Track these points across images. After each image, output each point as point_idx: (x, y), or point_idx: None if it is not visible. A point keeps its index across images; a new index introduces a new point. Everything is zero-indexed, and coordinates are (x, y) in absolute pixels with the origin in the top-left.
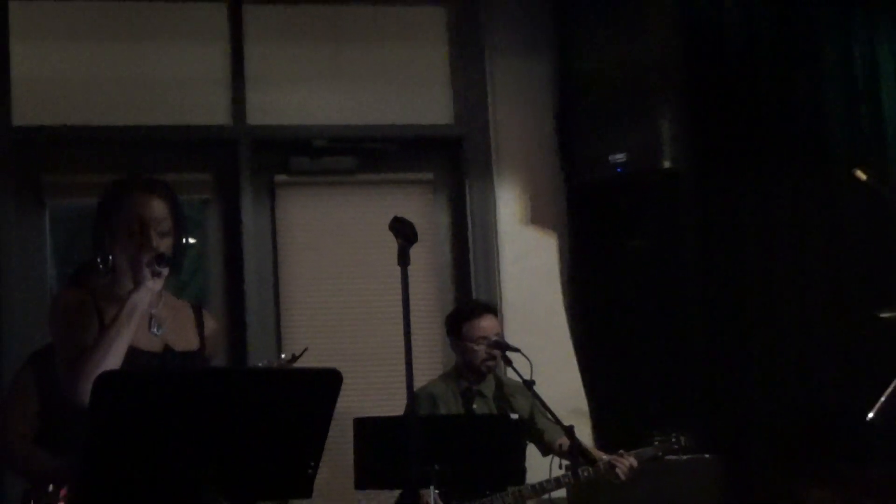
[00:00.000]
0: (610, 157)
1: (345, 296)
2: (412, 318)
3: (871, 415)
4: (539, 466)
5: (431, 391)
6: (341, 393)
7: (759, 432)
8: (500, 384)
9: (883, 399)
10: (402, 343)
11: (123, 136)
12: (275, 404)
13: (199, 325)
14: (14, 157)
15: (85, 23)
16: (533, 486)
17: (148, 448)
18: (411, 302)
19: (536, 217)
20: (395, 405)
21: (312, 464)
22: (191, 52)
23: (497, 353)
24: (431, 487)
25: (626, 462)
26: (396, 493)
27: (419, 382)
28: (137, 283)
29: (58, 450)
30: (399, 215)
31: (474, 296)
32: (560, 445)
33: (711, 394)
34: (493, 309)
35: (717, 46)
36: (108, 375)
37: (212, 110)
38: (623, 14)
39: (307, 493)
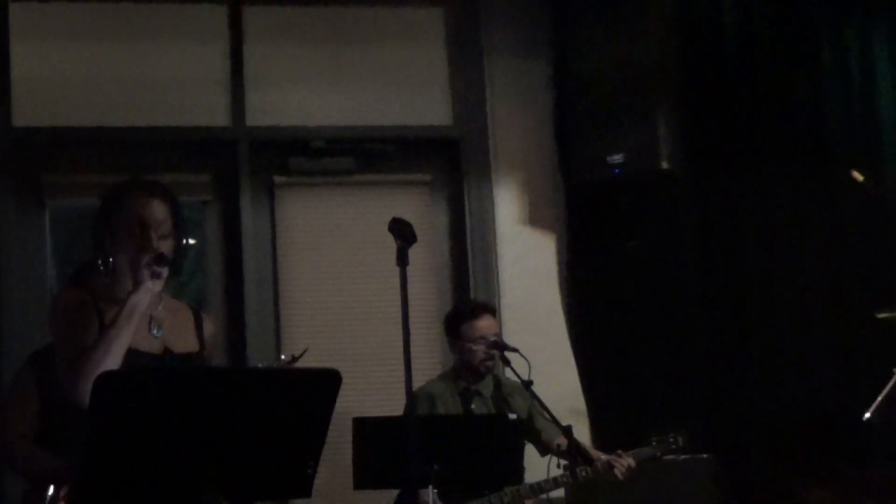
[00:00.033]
0: (608, 158)
1: (344, 296)
2: (411, 319)
3: (867, 414)
4: (537, 466)
5: (430, 391)
6: (340, 393)
7: (758, 432)
8: (498, 384)
9: (879, 399)
10: (400, 343)
11: (123, 136)
12: (274, 404)
13: (199, 327)
14: (14, 158)
15: (85, 24)
16: (531, 485)
17: (148, 448)
18: (410, 302)
19: (535, 218)
20: (393, 405)
21: (312, 464)
22: (190, 53)
23: (495, 353)
24: (430, 487)
25: (624, 462)
26: (395, 492)
27: (418, 382)
28: (137, 284)
29: (58, 450)
30: (398, 216)
31: (473, 296)
32: (558, 445)
33: (710, 394)
34: (491, 309)
35: (715, 48)
36: (108, 375)
37: (211, 111)
38: (621, 15)
39: (306, 492)
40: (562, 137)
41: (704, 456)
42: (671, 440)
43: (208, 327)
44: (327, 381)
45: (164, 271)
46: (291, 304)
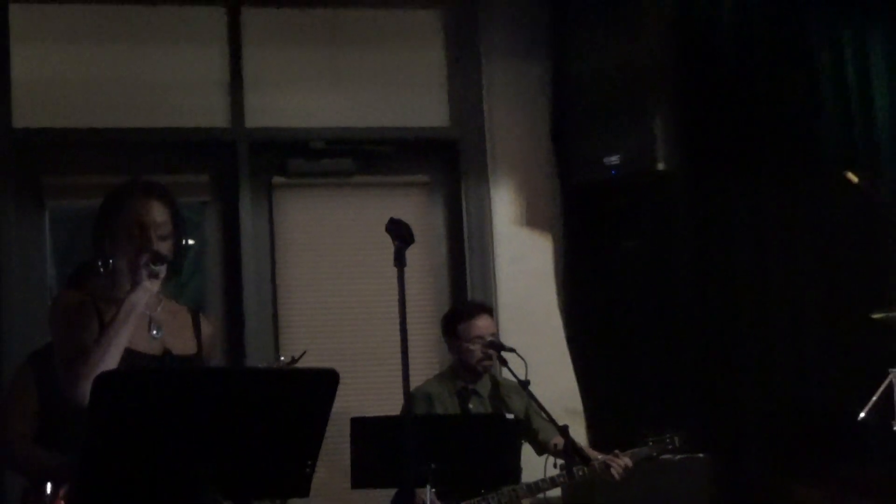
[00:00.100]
0: (605, 159)
1: (342, 296)
2: (409, 319)
3: (862, 414)
4: (534, 466)
5: (428, 391)
6: (338, 393)
7: (753, 432)
8: (495, 384)
9: (874, 399)
10: (398, 343)
11: (123, 138)
12: (272, 404)
13: (197, 329)
14: (14, 159)
15: (85, 26)
16: (528, 485)
17: (147, 447)
18: (408, 302)
19: (532, 218)
20: (391, 405)
21: (310, 463)
22: (190, 54)
23: (492, 353)
24: (428, 486)
25: (620, 462)
26: (393, 492)
27: (415, 382)
28: (134, 284)
29: (57, 449)
30: (396, 217)
31: (470, 296)
32: (555, 445)
33: (706, 394)
34: (488, 309)
35: (711, 50)
36: (108, 375)
37: (210, 113)
38: (617, 17)
39: (304, 492)
40: (559, 139)
41: (700, 456)
42: (667, 440)
43: (206, 329)
44: (325, 381)
45: (162, 271)
46: (290, 305)
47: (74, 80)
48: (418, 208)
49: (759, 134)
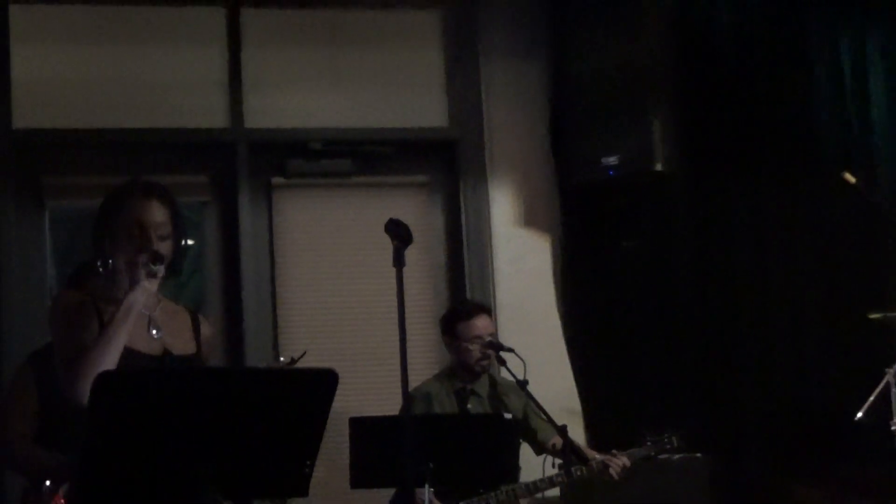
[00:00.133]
0: (603, 160)
1: (341, 297)
2: (407, 319)
3: (859, 414)
4: (532, 465)
5: (427, 391)
6: (338, 392)
7: (751, 432)
8: (494, 384)
9: (871, 399)
10: (397, 343)
11: (122, 138)
12: (272, 404)
13: (196, 329)
14: (14, 159)
15: (84, 26)
16: (526, 484)
17: (146, 447)
18: (406, 302)
19: (530, 219)
20: (390, 405)
21: (309, 463)
22: (189, 55)
23: (491, 353)
24: (426, 486)
25: (618, 461)
26: (392, 491)
27: (414, 382)
28: (133, 283)
29: (57, 449)
30: (395, 217)
31: (469, 296)
32: (553, 444)
33: (704, 394)
34: (487, 309)
35: (710, 51)
36: (107, 375)
37: (210, 113)
38: (616, 18)
39: (303, 491)
40: (557, 139)
41: (698, 455)
42: (665, 440)
43: (205, 330)
44: (324, 381)
45: (161, 270)
46: (289, 305)
47: (74, 81)
48: (417, 208)
49: (758, 134)
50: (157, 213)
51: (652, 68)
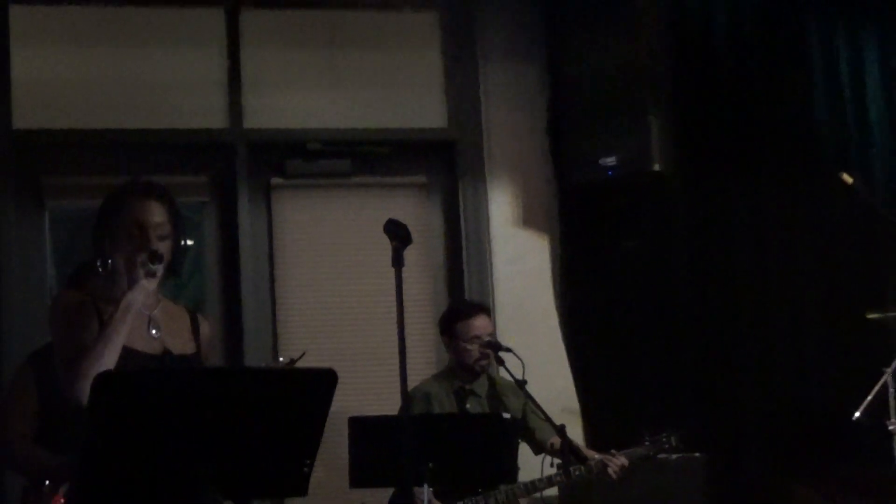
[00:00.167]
0: (601, 160)
1: (340, 297)
2: (406, 319)
3: (857, 414)
4: (531, 465)
5: (426, 390)
6: (337, 392)
7: (750, 432)
8: (492, 383)
9: (869, 399)
10: (396, 343)
11: (122, 139)
12: (271, 404)
13: (195, 329)
14: (14, 160)
15: (84, 27)
16: (525, 484)
17: (146, 447)
18: (405, 303)
19: (528, 219)
20: (390, 404)
21: (308, 462)
22: (188, 56)
23: (490, 352)
24: (425, 486)
25: (617, 461)
26: (391, 491)
27: (413, 382)
28: (131, 283)
29: (57, 449)
30: (393, 217)
31: (467, 296)
32: (552, 444)
33: (702, 393)
34: (486, 309)
35: (707, 51)
36: (107, 375)
37: (209, 114)
38: (614, 19)
39: (303, 491)
40: (555, 140)
41: (697, 455)
42: (664, 439)
43: (204, 330)
44: (323, 381)
45: (159, 270)
46: (288, 305)
47: (74, 81)
48: (416, 209)
49: (756, 135)
50: (157, 213)
51: (650, 69)
